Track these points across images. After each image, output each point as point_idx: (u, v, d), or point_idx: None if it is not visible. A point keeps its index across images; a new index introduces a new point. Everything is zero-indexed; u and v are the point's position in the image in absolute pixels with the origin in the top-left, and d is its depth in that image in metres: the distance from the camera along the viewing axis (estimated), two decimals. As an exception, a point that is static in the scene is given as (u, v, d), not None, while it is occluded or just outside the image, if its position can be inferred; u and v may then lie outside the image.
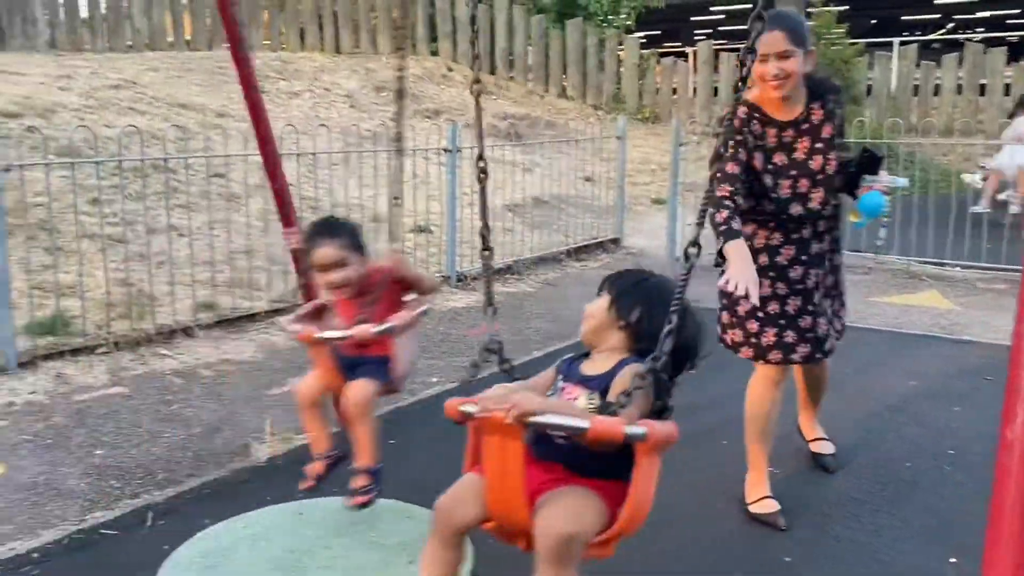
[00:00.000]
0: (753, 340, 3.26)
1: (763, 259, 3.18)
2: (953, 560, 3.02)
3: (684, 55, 19.65)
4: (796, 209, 3.15)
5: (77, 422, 4.28)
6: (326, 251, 2.95)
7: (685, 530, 3.23)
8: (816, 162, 3.13)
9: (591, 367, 2.21)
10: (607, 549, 2.07)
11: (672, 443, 2.01)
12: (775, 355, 3.24)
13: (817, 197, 3.14)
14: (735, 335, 3.31)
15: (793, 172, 3.13)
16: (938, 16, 28.49)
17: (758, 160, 3.14)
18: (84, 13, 13.50)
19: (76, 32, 13.36)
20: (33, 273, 5.36)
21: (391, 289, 3.05)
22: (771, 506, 3.32)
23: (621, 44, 16.34)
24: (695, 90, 16.09)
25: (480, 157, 2.57)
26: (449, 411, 2.12)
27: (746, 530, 3.26)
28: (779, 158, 3.14)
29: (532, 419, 1.95)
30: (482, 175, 2.56)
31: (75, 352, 5.07)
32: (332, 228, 3.04)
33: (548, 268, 7.94)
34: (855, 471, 3.73)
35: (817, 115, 3.14)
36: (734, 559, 3.08)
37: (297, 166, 6.22)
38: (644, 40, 16.11)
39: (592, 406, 2.09)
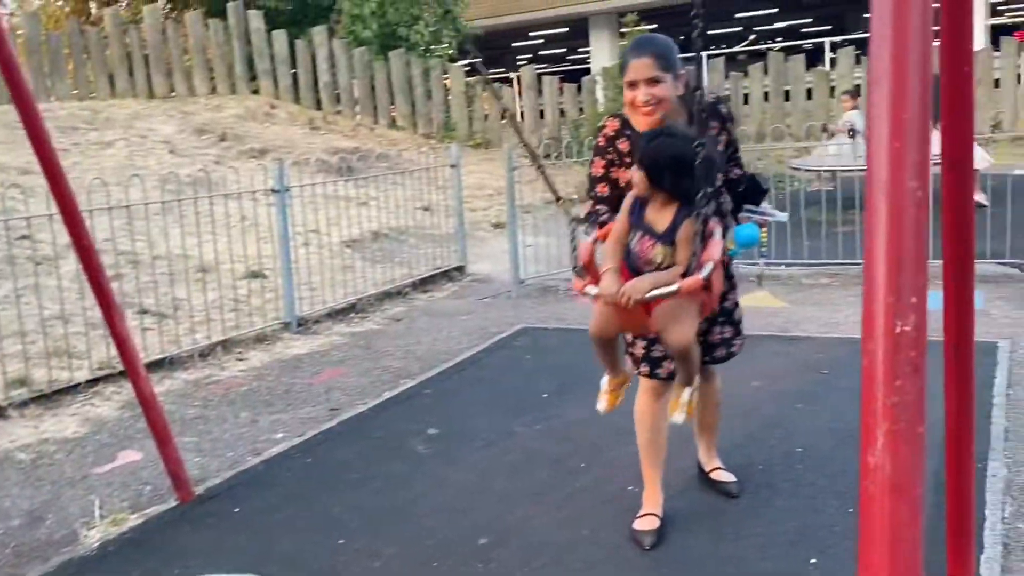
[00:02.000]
0: (631, 352, 3.29)
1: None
2: (813, 561, 3.06)
3: (509, 80, 19.98)
4: None
5: None
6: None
7: (547, 560, 3.14)
8: None
9: (655, 216, 2.84)
10: None
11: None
12: (644, 368, 3.26)
13: None
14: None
15: None
16: (740, 29, 30.16)
17: (623, 176, 3.10)
18: None
19: None
20: None
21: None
22: (651, 523, 3.26)
23: (446, 73, 16.40)
24: (522, 114, 16.36)
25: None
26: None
27: (615, 553, 3.20)
28: None
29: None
30: None
31: None
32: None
33: (394, 303, 7.75)
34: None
35: None
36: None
37: (110, 220, 5.81)
38: (468, 68, 16.23)
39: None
